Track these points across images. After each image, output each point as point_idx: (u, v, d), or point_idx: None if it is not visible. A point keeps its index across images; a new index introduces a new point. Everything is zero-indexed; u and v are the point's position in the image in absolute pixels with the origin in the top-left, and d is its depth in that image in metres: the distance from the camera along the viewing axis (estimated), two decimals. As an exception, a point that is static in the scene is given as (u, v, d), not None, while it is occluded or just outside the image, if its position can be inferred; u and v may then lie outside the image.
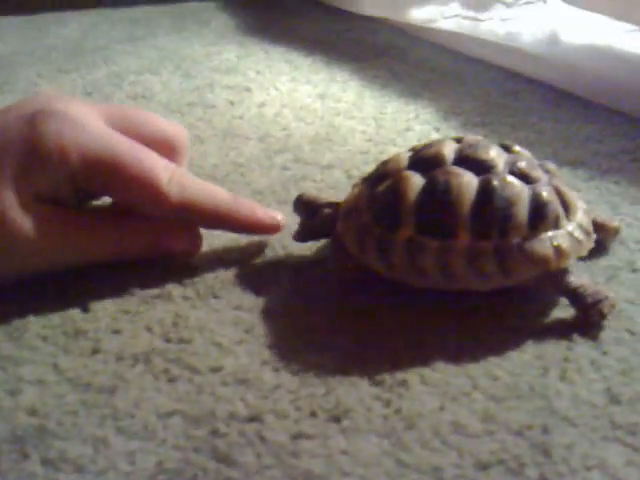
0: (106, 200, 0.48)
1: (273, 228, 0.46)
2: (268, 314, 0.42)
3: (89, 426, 0.35)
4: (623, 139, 0.58)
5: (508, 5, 0.65)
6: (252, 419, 0.35)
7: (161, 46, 0.82)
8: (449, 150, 0.41)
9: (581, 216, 0.41)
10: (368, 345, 0.39)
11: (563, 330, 0.39)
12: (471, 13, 0.68)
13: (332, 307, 0.42)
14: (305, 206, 0.47)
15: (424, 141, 0.58)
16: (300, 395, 0.36)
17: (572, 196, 0.41)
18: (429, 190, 0.40)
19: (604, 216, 0.45)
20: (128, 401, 0.36)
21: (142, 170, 0.42)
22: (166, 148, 0.46)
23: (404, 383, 0.36)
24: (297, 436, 0.34)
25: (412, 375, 0.37)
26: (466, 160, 0.40)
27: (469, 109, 0.64)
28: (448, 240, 0.39)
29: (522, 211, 0.39)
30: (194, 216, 0.44)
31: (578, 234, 0.40)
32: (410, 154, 0.43)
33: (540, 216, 0.39)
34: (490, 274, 0.39)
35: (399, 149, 0.58)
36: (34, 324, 0.41)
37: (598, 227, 0.43)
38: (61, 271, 0.43)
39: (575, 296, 0.40)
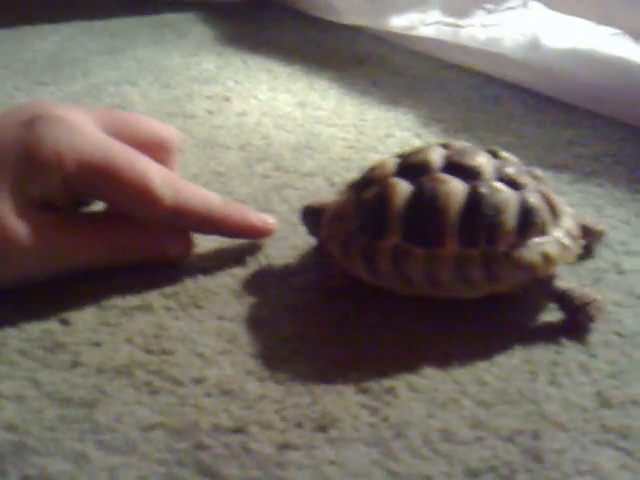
0: (96, 206, 0.47)
1: (265, 232, 0.46)
2: (252, 323, 0.41)
3: (69, 441, 0.34)
4: (605, 142, 0.58)
5: (489, 11, 0.65)
6: (237, 430, 0.34)
7: (140, 57, 0.82)
8: (436, 156, 0.41)
9: (568, 221, 0.41)
10: (353, 353, 0.39)
11: (551, 334, 0.39)
12: (452, 19, 0.68)
13: (316, 315, 0.42)
14: (315, 215, 0.46)
15: (406, 147, 0.59)
16: (285, 405, 0.35)
17: (559, 202, 0.41)
18: (416, 197, 0.39)
19: (589, 220, 0.45)
20: (109, 415, 0.35)
21: (135, 174, 0.42)
22: (159, 150, 0.46)
23: (391, 391, 0.36)
24: (283, 447, 0.33)
25: (399, 382, 0.36)
26: (453, 167, 0.40)
27: (450, 115, 0.64)
28: (435, 248, 0.39)
29: (510, 218, 0.39)
30: (187, 221, 0.44)
31: (565, 240, 0.39)
32: (397, 160, 0.42)
33: (528, 223, 0.39)
34: (477, 281, 0.39)
35: (380, 156, 0.58)
36: (13, 338, 0.40)
37: (583, 231, 0.42)
38: (43, 281, 0.42)
39: (563, 300, 0.39)
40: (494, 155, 0.41)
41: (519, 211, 0.39)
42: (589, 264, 0.44)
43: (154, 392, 0.36)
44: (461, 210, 0.39)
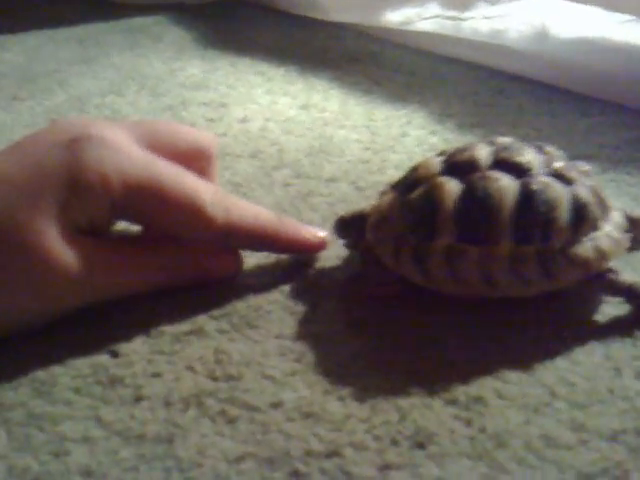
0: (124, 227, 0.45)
1: (319, 246, 0.44)
2: (315, 340, 0.39)
3: (155, 482, 0.32)
4: (622, 130, 0.58)
5: (492, 3, 0.64)
6: (331, 454, 0.33)
7: (118, 65, 0.79)
8: (483, 153, 0.40)
9: (616, 215, 0.40)
10: (428, 362, 0.37)
11: (623, 328, 0.38)
12: (452, 13, 0.67)
13: (378, 326, 0.40)
14: (349, 226, 0.44)
15: (423, 146, 0.58)
16: (374, 423, 0.34)
17: (606, 196, 0.40)
18: (467, 196, 0.38)
19: (636, 211, 0.45)
20: (190, 449, 0.33)
21: (185, 195, 0.40)
22: (200, 158, 0.44)
23: (480, 399, 0.35)
24: (384, 468, 0.32)
25: (486, 390, 0.35)
26: (502, 163, 0.39)
27: (460, 110, 0.63)
28: (489, 246, 0.38)
29: (563, 214, 0.38)
30: (240, 239, 0.42)
31: (616, 234, 0.39)
32: (440, 159, 0.41)
33: (581, 218, 0.38)
34: (533, 280, 0.38)
35: (399, 156, 0.57)
36: (63, 376, 0.38)
37: (631, 223, 0.42)
38: (81, 311, 0.40)
39: (630, 294, 0.39)
40: (540, 150, 0.40)
41: (571, 207, 0.38)
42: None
43: (231, 421, 0.35)
44: (514, 207, 0.38)
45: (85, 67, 0.79)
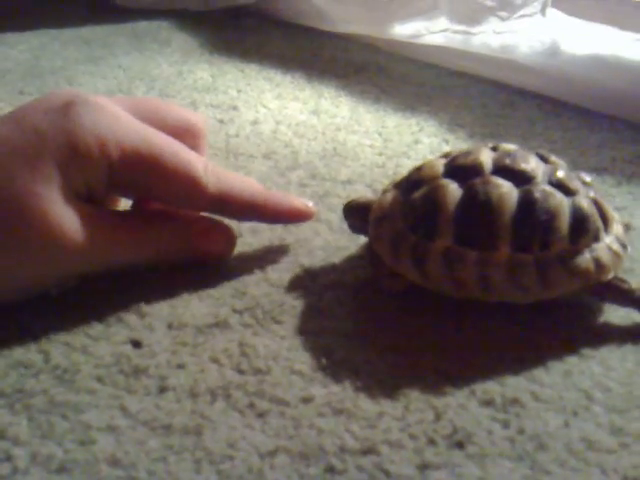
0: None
1: (307, 215, 0.45)
2: (341, 337, 0.38)
3: (187, 473, 0.31)
4: (633, 145, 0.58)
5: (502, 18, 0.65)
6: (366, 452, 0.32)
7: (126, 66, 0.78)
8: (487, 159, 0.40)
9: (617, 227, 0.40)
10: (459, 362, 0.37)
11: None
12: (461, 27, 0.67)
13: (403, 325, 0.39)
14: (357, 212, 0.44)
15: (436, 153, 0.58)
16: (409, 422, 0.33)
17: (608, 207, 0.40)
18: (468, 200, 0.38)
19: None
20: (220, 442, 0.32)
21: (180, 162, 0.40)
22: (189, 135, 0.44)
23: (517, 401, 0.34)
24: (423, 467, 0.31)
25: (522, 392, 0.35)
26: (505, 170, 0.39)
27: (470, 121, 0.63)
28: (488, 251, 0.38)
29: (563, 223, 0.38)
30: (231, 207, 0.43)
31: (616, 247, 0.39)
32: (445, 161, 0.41)
33: (581, 229, 0.38)
34: (530, 287, 0.38)
35: (413, 162, 0.56)
36: (84, 364, 0.36)
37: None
38: (100, 295, 0.39)
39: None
40: (544, 159, 0.40)
41: (572, 217, 0.38)
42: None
43: (261, 415, 0.34)
44: (514, 214, 0.38)
45: (93, 66, 0.78)
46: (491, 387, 0.35)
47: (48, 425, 0.33)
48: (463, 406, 0.34)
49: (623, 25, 0.62)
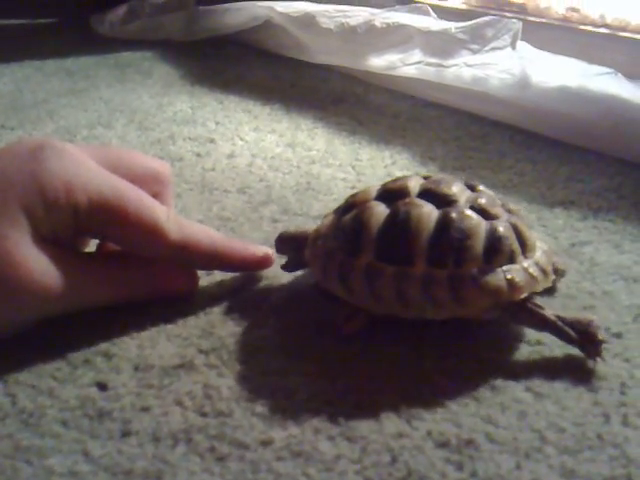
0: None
1: (266, 262, 0.46)
2: (305, 378, 0.39)
3: (144, 520, 0.31)
4: (602, 178, 0.59)
5: (474, 51, 0.66)
6: (322, 495, 0.32)
7: (107, 98, 0.79)
8: (415, 184, 0.42)
9: (539, 255, 0.42)
10: (417, 402, 0.37)
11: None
12: (434, 59, 0.69)
13: (367, 362, 0.40)
14: (290, 243, 0.47)
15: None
16: (366, 465, 0.34)
17: (531, 235, 0.42)
18: (391, 219, 0.41)
19: (557, 259, 0.45)
20: (179, 487, 0.33)
21: (144, 210, 0.41)
22: (155, 184, 0.46)
23: (471, 443, 0.35)
24: (377, 510, 0.32)
25: (477, 434, 0.35)
26: (429, 194, 0.41)
27: (443, 154, 0.64)
28: (405, 266, 0.40)
29: (478, 243, 0.40)
30: (193, 255, 0.44)
31: (533, 270, 0.40)
32: (378, 187, 0.44)
33: (495, 249, 0.40)
34: (444, 302, 0.39)
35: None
36: (50, 408, 0.37)
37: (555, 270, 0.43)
38: (67, 338, 0.40)
39: (554, 327, 0.40)
40: (471, 188, 0.43)
41: (488, 238, 0.40)
42: (625, 301, 0.45)
43: (221, 459, 0.34)
44: (431, 232, 0.40)
45: (74, 99, 0.79)
46: (447, 428, 0.36)
47: (12, 471, 0.33)
48: (419, 448, 0.35)
49: (591, 58, 0.63)
